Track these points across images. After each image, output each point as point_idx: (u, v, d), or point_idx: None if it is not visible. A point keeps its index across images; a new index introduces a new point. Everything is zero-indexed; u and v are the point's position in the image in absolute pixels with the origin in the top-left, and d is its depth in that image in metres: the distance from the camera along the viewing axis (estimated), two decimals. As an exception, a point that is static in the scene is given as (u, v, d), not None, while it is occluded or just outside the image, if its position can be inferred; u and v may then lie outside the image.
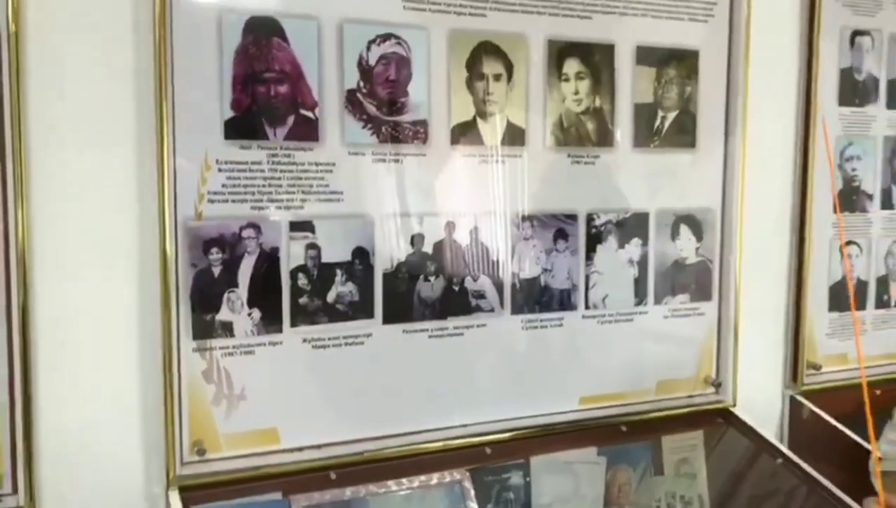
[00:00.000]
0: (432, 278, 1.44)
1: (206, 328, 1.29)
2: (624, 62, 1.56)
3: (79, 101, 1.19)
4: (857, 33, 1.80)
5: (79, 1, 1.19)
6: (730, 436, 1.71)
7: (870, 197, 1.86)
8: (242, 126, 1.28)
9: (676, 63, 1.60)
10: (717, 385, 1.70)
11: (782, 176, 1.75)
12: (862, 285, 1.88)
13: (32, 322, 1.17)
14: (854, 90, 1.81)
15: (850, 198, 1.84)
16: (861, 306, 1.89)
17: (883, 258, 1.91)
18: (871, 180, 1.86)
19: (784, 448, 1.65)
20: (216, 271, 1.29)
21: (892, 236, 1.91)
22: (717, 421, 1.71)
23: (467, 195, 1.45)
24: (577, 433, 1.57)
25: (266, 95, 1.29)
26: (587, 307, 1.58)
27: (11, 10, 1.12)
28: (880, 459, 1.30)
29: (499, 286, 1.49)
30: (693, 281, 1.67)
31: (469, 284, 1.47)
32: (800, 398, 1.79)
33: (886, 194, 1.89)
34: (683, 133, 1.62)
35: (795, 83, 1.74)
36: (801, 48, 1.74)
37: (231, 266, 1.29)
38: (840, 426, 1.72)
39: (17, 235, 1.15)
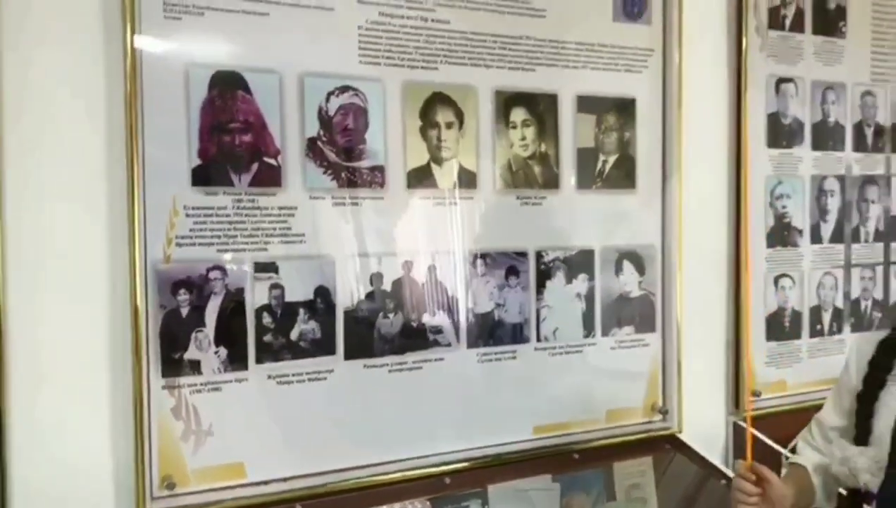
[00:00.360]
0: (391, 315, 1.51)
1: (175, 366, 1.34)
2: (566, 110, 1.67)
3: (53, 151, 1.26)
4: (781, 81, 1.94)
5: (54, 57, 1.26)
6: (678, 461, 1.79)
7: (800, 232, 1.99)
8: (209, 173, 1.35)
9: (615, 111, 1.72)
10: (664, 413, 1.79)
11: (717, 214, 1.87)
12: (796, 316, 2.00)
13: (6, 361, 1.22)
14: (781, 133, 1.95)
15: (781, 234, 1.96)
16: (796, 335, 2.00)
17: (815, 289, 2.03)
18: (800, 217, 1.99)
19: (729, 472, 1.74)
20: (184, 311, 1.35)
21: (823, 268, 2.03)
22: (665, 447, 1.80)
23: (423, 236, 1.53)
24: (531, 461, 1.64)
25: (231, 144, 1.37)
26: (539, 340, 1.66)
27: (-11, 68, 1.19)
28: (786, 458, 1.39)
29: (455, 322, 1.57)
30: (637, 314, 1.77)
31: (426, 320, 1.55)
32: (742, 423, 1.88)
33: (815, 230, 2.02)
34: (624, 175, 1.74)
35: (726, 128, 1.87)
36: (731, 95, 1.87)
37: (198, 307, 1.36)
38: (779, 448, 1.81)
39: (-8, 279, 1.20)
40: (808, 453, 1.40)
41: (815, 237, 2.02)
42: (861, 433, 1.27)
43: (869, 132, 2.10)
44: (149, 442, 1.32)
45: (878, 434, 1.24)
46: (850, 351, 1.37)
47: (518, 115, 1.63)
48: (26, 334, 1.24)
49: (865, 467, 1.25)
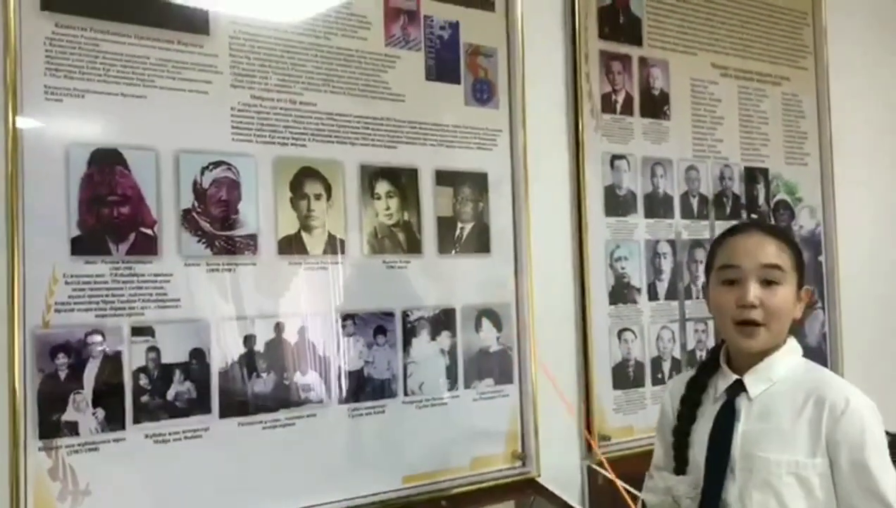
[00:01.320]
0: (264, 374, 1.61)
1: (53, 427, 1.40)
2: (426, 183, 1.85)
3: (-68, 223, 1.32)
4: (615, 157, 2.19)
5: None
6: (538, 504, 1.94)
7: (638, 290, 2.22)
8: (88, 243, 1.44)
9: (470, 184, 1.91)
10: (524, 459, 1.95)
11: (564, 275, 2.07)
12: (639, 366, 2.21)
13: None
14: (617, 203, 2.19)
15: (621, 292, 2.19)
16: (640, 383, 2.21)
17: (655, 342, 2.25)
18: (637, 277, 2.22)
19: (584, 509, 1.90)
20: (62, 374, 1.41)
21: (661, 322, 2.26)
22: (527, 491, 1.94)
23: (295, 299, 1.65)
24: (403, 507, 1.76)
25: (109, 215, 1.46)
26: (406, 394, 1.79)
27: None
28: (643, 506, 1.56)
29: (326, 379, 1.69)
30: (497, 367, 1.93)
31: (298, 378, 1.66)
32: (595, 466, 2.05)
33: (652, 288, 2.25)
34: (480, 241, 1.92)
35: (568, 198, 2.09)
36: (571, 170, 2.10)
37: (76, 370, 1.42)
38: (629, 487, 1.99)
39: None
40: (647, 496, 1.56)
41: (652, 295, 2.25)
42: (679, 463, 1.45)
43: (694, 201, 2.38)
44: (24, 503, 1.35)
45: (693, 462, 1.43)
46: (665, 393, 1.57)
47: (382, 187, 1.79)
48: None
49: (685, 492, 1.42)
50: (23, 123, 1.38)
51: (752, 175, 2.53)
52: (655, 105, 2.29)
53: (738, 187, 2.49)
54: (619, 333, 2.18)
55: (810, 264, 2.65)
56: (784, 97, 2.63)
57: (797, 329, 2.57)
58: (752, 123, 2.54)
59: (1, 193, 1.36)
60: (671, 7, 2.34)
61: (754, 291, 1.35)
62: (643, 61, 2.27)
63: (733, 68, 2.50)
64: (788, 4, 2.66)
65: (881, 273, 2.85)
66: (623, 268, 2.19)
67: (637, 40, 2.26)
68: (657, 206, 2.28)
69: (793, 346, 1.42)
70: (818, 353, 2.64)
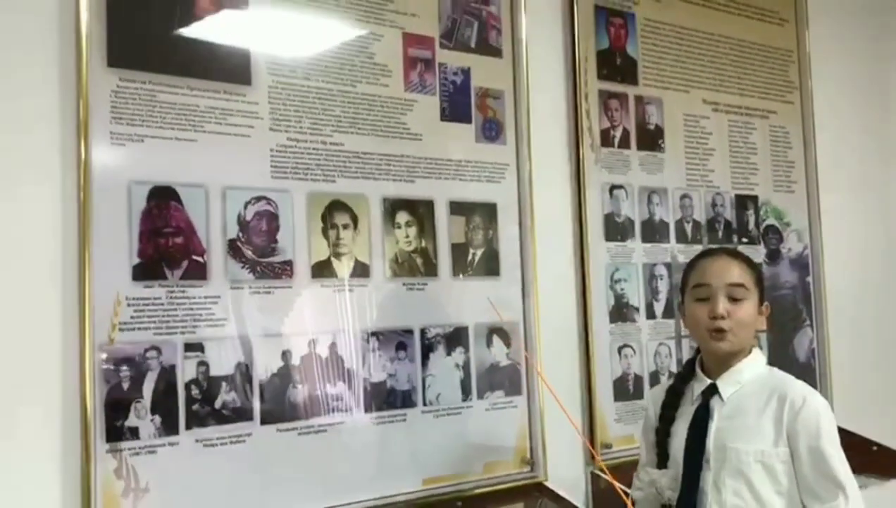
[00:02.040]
0: (300, 386, 1.80)
1: (117, 432, 1.58)
2: (441, 213, 2.04)
3: (17, 252, 1.51)
4: (613, 187, 2.39)
5: (12, 171, 1.52)
6: (545, 505, 2.12)
7: (637, 310, 2.41)
8: (147, 270, 1.64)
9: (480, 213, 2.11)
10: (532, 464, 2.13)
11: (567, 295, 2.26)
12: (638, 380, 2.39)
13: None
14: (616, 229, 2.38)
15: (621, 311, 2.37)
16: (639, 396, 2.38)
17: (653, 357, 2.44)
18: (636, 297, 2.41)
19: (589, 510, 2.08)
20: (125, 385, 1.60)
21: (658, 339, 2.45)
22: (534, 494, 2.12)
23: (326, 318, 1.85)
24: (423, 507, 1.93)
25: (165, 245, 1.66)
26: (425, 404, 1.98)
27: (-32, 186, 1.45)
28: (633, 504, 1.74)
29: (353, 390, 1.87)
30: (506, 380, 2.12)
31: (329, 389, 1.84)
32: (597, 472, 2.23)
33: (650, 307, 2.44)
34: (490, 265, 2.12)
35: (570, 225, 2.28)
36: (573, 199, 2.29)
37: (137, 381, 1.61)
38: (629, 490, 2.16)
39: (-36, 360, 1.43)
40: (635, 493, 1.76)
41: (650, 314, 2.44)
42: (661, 459, 1.66)
43: (688, 227, 2.57)
44: (95, 499, 1.54)
45: (673, 458, 1.63)
46: (647, 400, 1.77)
47: (402, 217, 1.99)
48: (32, 416, 1.47)
49: (667, 484, 1.63)
50: (92, 165, 1.57)
51: (743, 202, 2.73)
52: (651, 139, 2.49)
53: (729, 214, 2.68)
54: (619, 349, 2.36)
55: (799, 285, 2.86)
56: (772, 129, 2.84)
57: (787, 346, 2.77)
58: (742, 153, 2.74)
59: (73, 226, 1.56)
60: (664, 49, 2.55)
61: (723, 305, 1.57)
62: (639, 99, 2.47)
63: (723, 104, 2.70)
64: (775, 43, 2.87)
65: (866, 292, 3.03)
66: (622, 289, 2.38)
67: (633, 80, 2.47)
68: (653, 231, 2.47)
69: (757, 354, 1.65)
70: (807, 367, 2.82)
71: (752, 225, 2.74)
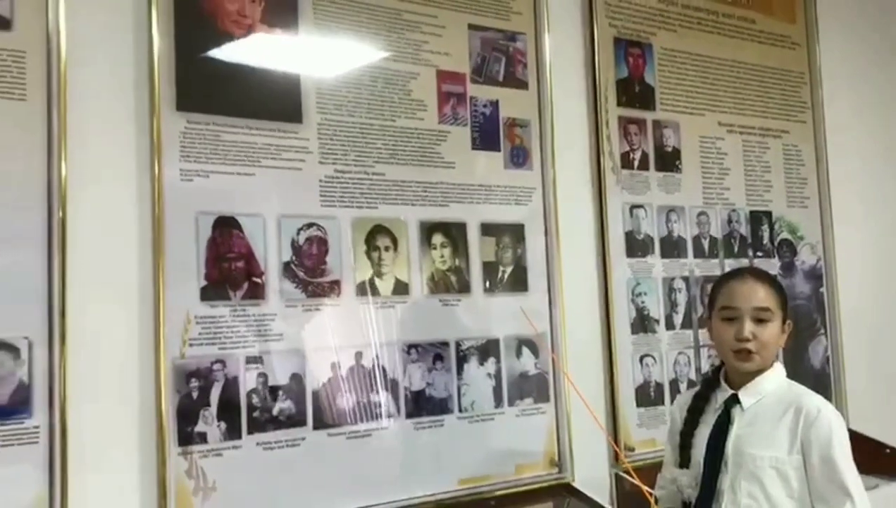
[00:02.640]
0: (347, 394, 1.99)
1: (188, 437, 1.78)
2: (473, 235, 2.22)
3: (102, 278, 1.71)
4: (633, 206, 2.55)
5: (96, 207, 1.72)
6: (573, 505, 2.28)
7: (657, 321, 2.57)
8: (212, 291, 1.83)
9: (509, 234, 2.29)
10: (559, 466, 2.29)
11: (591, 309, 2.43)
12: (659, 387, 2.55)
13: (68, 439, 1.63)
14: (636, 246, 2.55)
15: (642, 323, 2.54)
16: (660, 402, 2.54)
17: (672, 366, 2.59)
18: (656, 309, 2.57)
19: (613, 509, 2.24)
20: (194, 395, 1.79)
21: (677, 349, 2.61)
22: (562, 494, 2.28)
23: (370, 332, 2.03)
24: (459, 506, 2.10)
25: (228, 269, 1.85)
26: (460, 411, 2.15)
27: (61, 215, 1.65)
28: (656, 501, 1.89)
29: (395, 398, 2.05)
30: (535, 388, 2.29)
31: (373, 397, 2.03)
32: (622, 473, 2.38)
33: (669, 319, 2.60)
34: (518, 281, 2.29)
35: (594, 243, 2.45)
36: (596, 218, 2.46)
37: (205, 391, 1.80)
38: (652, 491, 2.32)
39: (60, 373, 1.63)
40: (659, 492, 1.91)
41: (669, 325, 2.60)
42: (683, 459, 1.81)
43: (705, 243, 2.73)
44: (169, 496, 1.73)
45: (695, 460, 1.79)
46: (675, 405, 1.93)
47: (437, 239, 2.17)
48: (84, 417, 1.66)
49: (687, 483, 1.78)
50: (165, 199, 1.77)
51: (758, 218, 2.88)
52: (668, 161, 2.66)
53: (744, 229, 2.83)
54: (641, 358, 2.52)
55: (813, 295, 3.00)
56: (785, 148, 2.98)
57: (803, 353, 2.90)
58: (756, 172, 2.89)
59: (149, 253, 1.76)
60: (680, 75, 2.71)
61: (749, 327, 1.71)
62: (656, 123, 2.64)
63: (738, 125, 2.86)
64: (787, 66, 3.02)
65: (877, 302, 3.17)
66: (643, 302, 2.54)
67: (651, 106, 2.63)
68: (672, 247, 2.63)
69: (779, 369, 1.79)
70: (822, 374, 2.96)
71: (766, 239, 2.89)
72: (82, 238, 1.69)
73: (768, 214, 2.91)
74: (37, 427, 1.62)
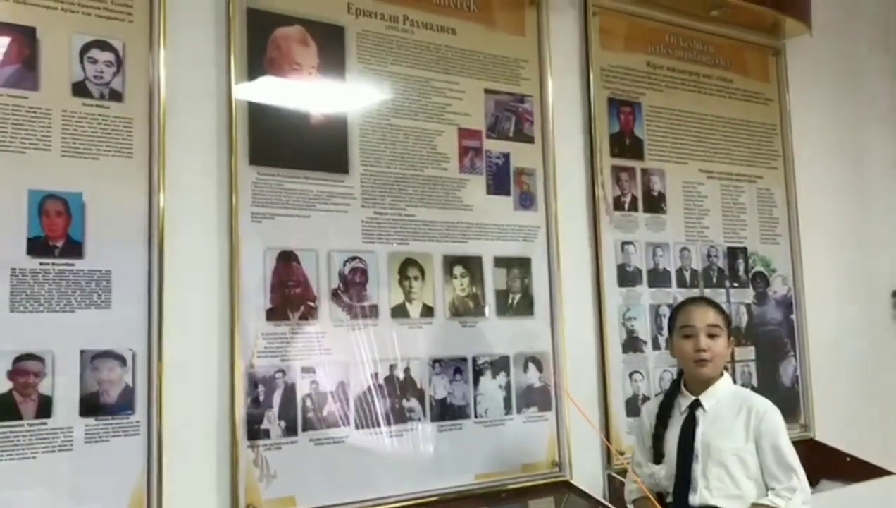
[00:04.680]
0: (383, 400, 2.37)
1: (255, 433, 2.16)
2: (488, 267, 2.62)
3: (189, 300, 2.11)
4: (624, 243, 2.95)
5: (185, 246, 2.12)
6: (571, 499, 2.66)
7: (645, 342, 2.96)
8: (276, 313, 2.22)
9: (518, 266, 2.68)
10: (560, 466, 2.67)
11: (587, 331, 2.80)
12: (646, 400, 2.92)
13: (162, 432, 2.02)
14: (627, 277, 2.94)
15: (632, 343, 2.93)
16: (647, 413, 2.92)
17: (658, 382, 2.98)
18: (644, 332, 2.96)
19: (606, 503, 2.61)
20: (260, 398, 2.18)
21: (662, 366, 2.99)
22: (562, 489, 2.66)
23: (401, 348, 2.42)
24: (474, 498, 2.48)
25: (288, 294, 2.25)
26: (476, 416, 2.54)
27: (159, 249, 2.05)
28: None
29: (422, 404, 2.44)
30: (539, 398, 2.67)
31: (405, 403, 2.41)
32: (613, 473, 2.76)
33: (655, 340, 2.99)
34: (526, 307, 2.68)
35: (590, 275, 2.85)
36: (591, 253, 2.86)
37: (269, 395, 2.19)
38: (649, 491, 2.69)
39: (157, 379, 2.02)
40: (631, 486, 2.29)
41: (656, 346, 2.99)
42: (657, 456, 2.20)
43: (687, 275, 3.12)
44: (239, 482, 2.11)
45: (667, 455, 2.17)
46: (643, 412, 2.33)
47: (458, 270, 2.57)
48: (176, 415, 2.05)
49: (665, 475, 2.17)
50: (240, 237, 2.17)
51: (734, 253, 3.28)
52: (655, 203, 3.06)
53: (722, 263, 3.23)
54: (630, 374, 2.91)
55: (784, 321, 3.40)
56: (759, 191, 3.39)
57: (775, 373, 3.27)
58: (733, 212, 3.29)
59: (227, 281, 2.16)
60: (666, 130, 3.12)
61: (704, 341, 2.12)
62: (645, 171, 3.04)
63: (717, 172, 3.26)
64: (760, 119, 3.44)
65: (841, 327, 3.57)
66: (633, 325, 2.94)
67: (640, 156, 3.04)
68: (658, 278, 3.03)
69: (727, 377, 2.21)
70: (791, 391, 3.35)
71: (742, 272, 3.29)
72: (175, 268, 2.09)
73: (744, 249, 3.31)
74: (138, 422, 2.01)
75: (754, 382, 3.22)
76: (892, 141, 3.90)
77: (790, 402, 3.32)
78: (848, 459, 3.21)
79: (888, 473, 3.08)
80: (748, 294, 3.29)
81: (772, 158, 3.46)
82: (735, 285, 3.26)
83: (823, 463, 3.23)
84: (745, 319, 3.26)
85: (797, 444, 3.13)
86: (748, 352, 3.25)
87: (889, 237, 3.82)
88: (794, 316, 3.42)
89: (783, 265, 3.42)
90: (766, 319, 3.34)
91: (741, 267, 3.30)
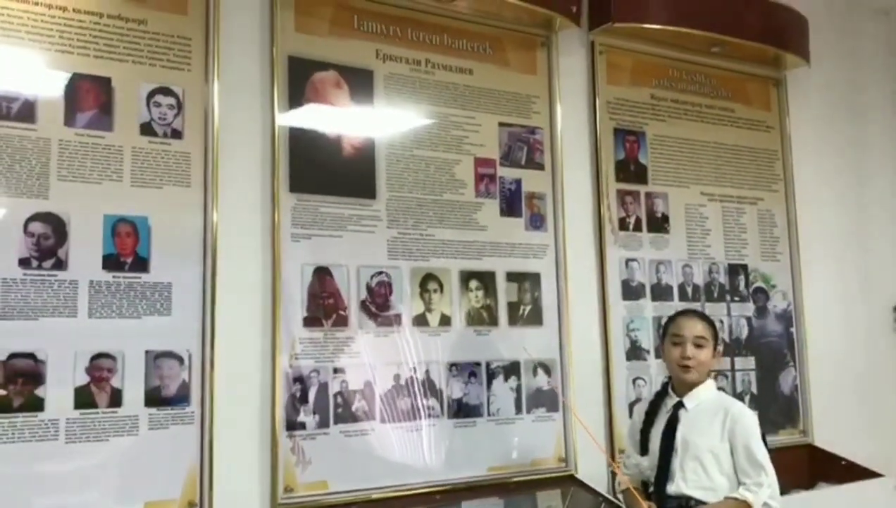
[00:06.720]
0: (405, 398, 2.68)
1: (292, 425, 2.48)
2: (501, 281, 2.92)
3: (237, 309, 2.45)
4: (629, 260, 3.23)
5: (238, 265, 2.46)
6: (576, 492, 2.93)
7: (647, 351, 3.23)
8: (311, 320, 2.55)
9: (528, 280, 2.98)
10: (566, 461, 2.95)
11: (593, 340, 3.09)
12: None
13: (214, 422, 2.35)
14: (631, 292, 3.21)
15: (635, 352, 3.20)
16: (650, 416, 3.19)
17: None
18: (646, 341, 3.23)
19: (609, 496, 2.88)
20: (297, 394, 2.50)
21: (663, 374, 3.23)
22: (568, 483, 2.93)
23: (421, 353, 2.73)
24: (487, 488, 2.77)
25: (322, 305, 2.58)
26: (489, 415, 2.83)
27: (212, 267, 2.39)
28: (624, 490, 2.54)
29: (441, 403, 2.75)
30: (547, 400, 2.96)
31: (424, 401, 2.72)
32: (615, 469, 3.02)
33: (657, 350, 3.25)
34: (535, 318, 2.98)
35: (596, 289, 3.12)
36: (598, 269, 3.14)
37: (305, 392, 2.52)
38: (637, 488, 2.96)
39: (209, 376, 2.36)
40: (622, 477, 2.56)
41: (657, 355, 3.25)
42: (643, 449, 2.47)
43: (689, 289, 3.38)
44: (278, 467, 2.44)
45: (652, 449, 2.44)
46: (634, 412, 2.60)
47: (473, 284, 2.87)
48: (226, 414, 2.38)
49: (648, 466, 2.44)
50: (281, 256, 2.51)
51: (735, 269, 3.53)
52: (658, 224, 3.33)
53: (723, 279, 3.48)
54: (633, 380, 3.18)
55: (784, 334, 3.63)
56: (760, 212, 3.64)
57: (775, 382, 3.50)
58: (734, 232, 3.55)
59: (270, 295, 2.49)
60: (669, 157, 3.40)
61: (690, 350, 2.39)
62: (648, 194, 3.32)
63: (718, 194, 3.52)
64: (762, 145, 3.69)
65: (838, 340, 3.79)
66: (636, 336, 3.21)
67: (644, 180, 3.32)
68: (660, 293, 3.30)
69: (710, 383, 2.46)
70: (791, 400, 3.58)
71: (742, 287, 3.54)
72: (226, 280, 2.43)
73: (744, 266, 3.56)
74: (193, 413, 2.35)
75: (754, 390, 3.46)
76: (889, 163, 4.11)
77: (790, 410, 3.56)
78: (843, 462, 3.42)
79: (879, 475, 3.29)
80: (748, 308, 3.53)
81: (773, 181, 3.70)
82: (736, 299, 3.50)
83: (820, 467, 3.47)
84: (745, 331, 3.51)
85: (796, 448, 3.47)
86: (748, 362, 3.49)
87: (889, 255, 4.03)
88: (793, 329, 3.65)
89: (783, 281, 3.66)
90: (766, 331, 3.58)
91: (742, 283, 3.54)
